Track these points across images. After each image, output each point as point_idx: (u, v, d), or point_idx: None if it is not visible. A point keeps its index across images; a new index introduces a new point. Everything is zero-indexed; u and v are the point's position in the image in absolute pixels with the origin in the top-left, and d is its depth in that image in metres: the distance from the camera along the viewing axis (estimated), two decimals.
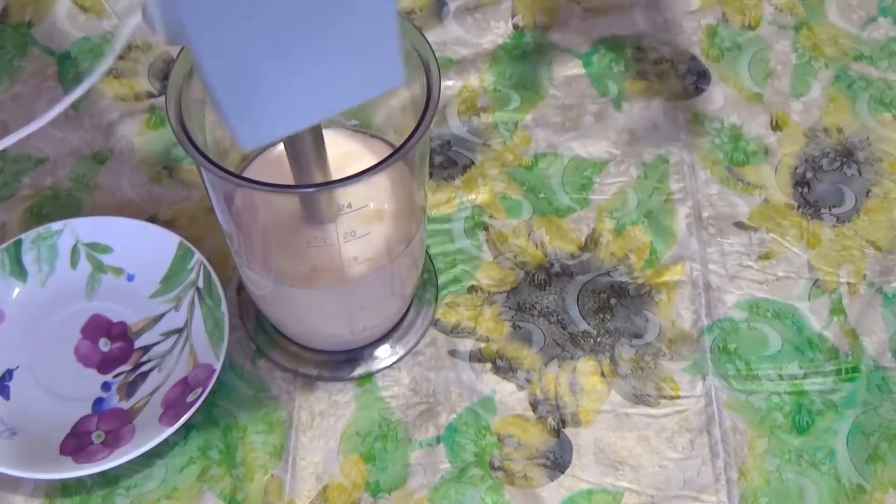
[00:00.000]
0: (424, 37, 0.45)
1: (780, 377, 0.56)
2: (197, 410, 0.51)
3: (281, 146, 0.50)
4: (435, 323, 0.57)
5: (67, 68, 0.69)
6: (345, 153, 0.47)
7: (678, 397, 0.55)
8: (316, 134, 0.41)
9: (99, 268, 0.58)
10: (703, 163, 0.64)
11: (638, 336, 0.57)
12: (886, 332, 0.57)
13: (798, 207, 0.62)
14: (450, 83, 0.67)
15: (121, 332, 0.57)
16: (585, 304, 0.58)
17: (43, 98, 0.67)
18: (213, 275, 0.56)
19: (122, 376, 0.55)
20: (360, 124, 0.51)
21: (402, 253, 0.49)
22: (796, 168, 0.64)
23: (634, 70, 0.68)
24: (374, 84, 0.35)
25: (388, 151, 0.49)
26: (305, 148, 0.41)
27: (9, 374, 0.55)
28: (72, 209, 0.62)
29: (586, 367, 0.56)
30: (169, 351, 0.55)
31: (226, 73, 0.31)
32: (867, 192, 0.63)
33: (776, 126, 0.66)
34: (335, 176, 0.44)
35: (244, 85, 0.32)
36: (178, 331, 0.56)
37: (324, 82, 0.34)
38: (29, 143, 0.65)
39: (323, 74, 0.33)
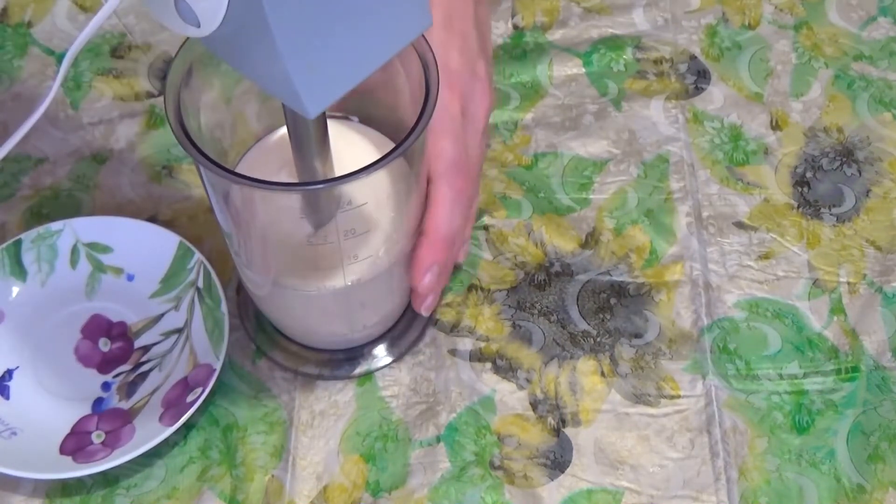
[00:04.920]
0: (423, 34, 0.45)
1: (780, 377, 0.56)
2: (197, 410, 0.51)
3: (272, 142, 0.50)
4: (435, 322, 0.57)
5: None
6: (345, 146, 0.47)
7: (678, 397, 0.55)
8: (320, 122, 0.41)
9: (99, 268, 0.58)
10: (703, 162, 0.64)
11: (638, 336, 0.57)
12: (886, 331, 0.57)
13: (798, 207, 0.62)
14: None
15: (121, 332, 0.57)
16: (585, 304, 0.58)
17: (43, 98, 0.67)
18: (213, 275, 0.56)
19: (122, 376, 0.55)
20: (360, 119, 0.51)
21: (402, 250, 0.49)
22: (796, 168, 0.64)
23: (634, 70, 0.68)
24: (409, 29, 0.38)
25: (386, 145, 0.49)
26: (309, 136, 0.41)
27: (9, 374, 0.55)
28: (72, 209, 0.62)
29: (586, 366, 0.56)
30: (169, 351, 0.55)
31: (293, 37, 0.34)
32: (867, 192, 0.63)
33: (776, 126, 0.66)
34: (336, 168, 0.44)
35: (308, 49, 0.34)
36: (178, 331, 0.56)
37: (369, 35, 0.36)
38: (28, 142, 0.65)
39: (368, 27, 0.36)
